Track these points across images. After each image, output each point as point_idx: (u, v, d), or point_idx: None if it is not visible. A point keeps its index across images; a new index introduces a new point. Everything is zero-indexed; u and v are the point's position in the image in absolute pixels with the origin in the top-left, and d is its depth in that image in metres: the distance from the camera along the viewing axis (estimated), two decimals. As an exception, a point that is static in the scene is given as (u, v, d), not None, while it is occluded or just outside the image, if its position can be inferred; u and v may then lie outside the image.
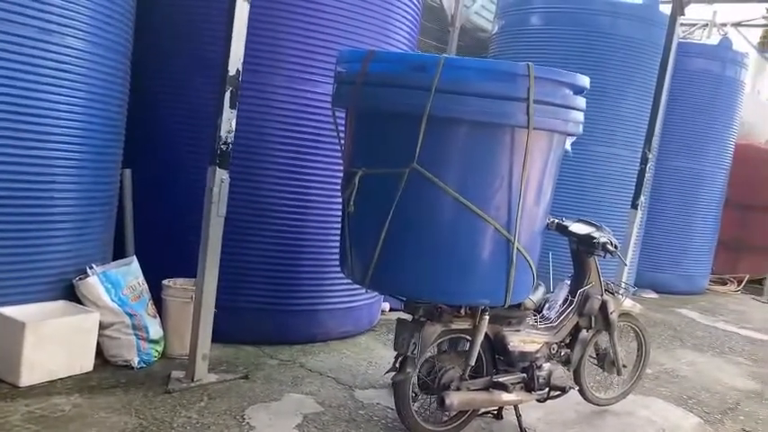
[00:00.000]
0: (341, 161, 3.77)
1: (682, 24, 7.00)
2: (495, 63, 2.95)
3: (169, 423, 3.39)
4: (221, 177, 3.75)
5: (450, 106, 2.75)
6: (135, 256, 4.38)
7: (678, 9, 6.24)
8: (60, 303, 3.89)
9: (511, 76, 2.82)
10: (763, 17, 13.13)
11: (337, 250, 3.69)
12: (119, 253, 4.53)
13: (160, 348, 4.20)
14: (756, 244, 10.05)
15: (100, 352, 3.97)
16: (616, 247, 3.91)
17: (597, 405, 4.31)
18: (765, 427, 4.54)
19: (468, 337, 3.49)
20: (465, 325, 3.43)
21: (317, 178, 4.66)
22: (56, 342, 3.65)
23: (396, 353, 3.39)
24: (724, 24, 12.19)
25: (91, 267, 4.03)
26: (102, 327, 3.94)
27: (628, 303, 4.29)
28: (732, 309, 8.80)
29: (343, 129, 3.29)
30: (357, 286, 4.39)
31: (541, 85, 2.81)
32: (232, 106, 3.73)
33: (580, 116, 3.08)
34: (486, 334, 3.47)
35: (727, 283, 10.29)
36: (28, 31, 3.56)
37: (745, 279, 10.21)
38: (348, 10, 4.61)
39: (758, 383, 5.52)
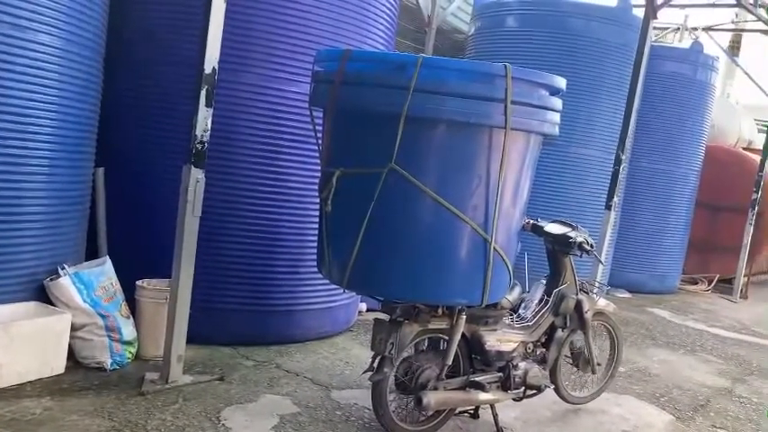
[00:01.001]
0: (318, 161, 3.76)
1: (654, 28, 7.10)
2: (473, 63, 2.96)
3: (143, 425, 3.34)
4: (197, 177, 3.71)
5: (428, 106, 2.75)
6: (108, 257, 4.31)
7: (651, 12, 6.34)
8: (31, 304, 3.83)
9: (489, 77, 2.84)
10: (733, 22, 13.39)
11: (314, 250, 3.67)
12: (91, 253, 4.46)
13: (133, 350, 4.14)
14: (726, 244, 10.24)
15: (71, 354, 3.90)
16: (592, 246, 3.96)
17: (572, 403, 4.35)
18: (735, 423, 4.63)
19: (445, 337, 3.50)
20: (442, 325, 3.44)
21: (293, 178, 4.64)
22: (26, 344, 3.58)
23: (373, 353, 3.38)
24: (695, 28, 12.39)
25: (63, 268, 3.97)
26: (74, 328, 3.87)
27: (602, 302, 4.34)
28: (703, 308, 8.96)
29: (320, 128, 3.28)
30: (334, 286, 4.38)
31: (519, 86, 2.83)
32: (208, 105, 3.70)
33: (557, 117, 3.11)
34: (462, 333, 3.48)
35: (697, 283, 10.47)
36: (0, 27, 3.48)
37: (716, 279, 10.40)
38: (325, 9, 4.60)
39: (728, 381, 5.63)
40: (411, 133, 2.77)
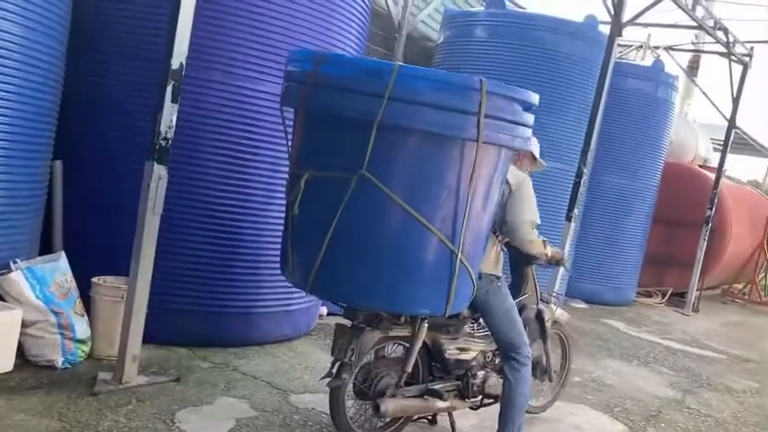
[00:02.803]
0: (281, 161, 3.71)
1: (618, 45, 7.25)
2: (449, 75, 2.94)
3: (94, 426, 3.26)
4: (159, 173, 3.64)
5: (402, 115, 2.72)
6: (63, 252, 4.19)
7: (616, 30, 6.47)
8: (-20, 299, 3.70)
9: (464, 90, 2.82)
10: (692, 43, 13.79)
11: (274, 252, 3.63)
12: (47, 248, 4.33)
13: (87, 349, 4.03)
14: (680, 259, 10.51)
15: (21, 351, 3.78)
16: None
17: (528, 413, 4.39)
18: (684, 435, 4.75)
19: (405, 344, 3.50)
20: (404, 332, 3.43)
21: (255, 178, 4.58)
22: (-27, 340, 3.46)
23: (333, 358, 3.36)
24: (657, 47, 12.70)
25: (15, 262, 3.84)
26: (24, 325, 3.75)
27: (557, 312, 4.41)
28: (656, 320, 9.18)
29: (290, 129, 3.24)
30: (294, 289, 4.34)
31: (493, 100, 2.82)
32: (174, 101, 3.64)
33: (528, 132, 3.12)
34: (423, 341, 3.48)
35: (652, 296, 10.73)
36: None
37: (669, 292, 10.67)
38: (298, 10, 4.56)
39: (678, 392, 5.77)
40: (383, 141, 2.75)
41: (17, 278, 3.78)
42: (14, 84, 3.71)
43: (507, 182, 3.43)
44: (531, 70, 7.40)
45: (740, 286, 13.55)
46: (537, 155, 3.70)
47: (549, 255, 3.82)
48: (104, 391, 3.63)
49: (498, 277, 3.54)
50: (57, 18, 3.98)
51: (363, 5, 5.20)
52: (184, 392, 3.83)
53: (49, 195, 4.37)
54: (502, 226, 3.53)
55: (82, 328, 3.98)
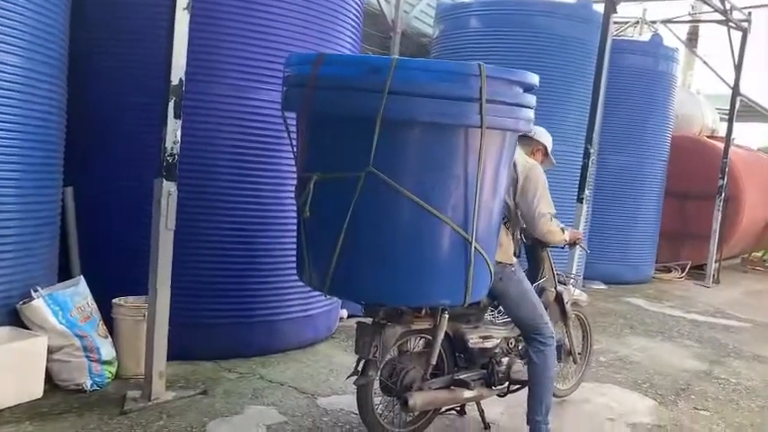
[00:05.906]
0: (290, 167, 3.72)
1: (614, 22, 7.22)
2: (447, 64, 2.93)
3: (128, 445, 3.29)
4: (168, 190, 3.67)
5: (404, 108, 2.72)
6: (82, 276, 4.24)
7: (611, 7, 6.44)
8: (6, 329, 3.74)
9: (462, 77, 2.82)
10: (690, 14, 13.69)
11: (290, 258, 3.63)
12: (65, 274, 4.37)
13: (113, 369, 4.07)
14: (696, 231, 10.44)
15: (49, 377, 3.82)
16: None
17: (555, 396, 4.38)
18: (716, 404, 4.72)
19: (428, 337, 3.50)
20: (425, 325, 3.43)
21: (265, 185, 4.61)
22: (2, 369, 3.50)
23: (357, 357, 3.37)
24: (654, 21, 12.63)
25: (36, 290, 3.88)
26: (50, 351, 3.79)
27: (575, 293, 4.40)
28: (677, 295, 9.13)
29: (294, 133, 3.25)
30: (313, 294, 4.38)
31: (493, 85, 2.81)
32: (176, 116, 3.66)
33: (531, 114, 3.11)
34: (446, 332, 3.48)
35: (671, 271, 10.66)
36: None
37: (688, 266, 10.60)
38: (292, 17, 4.59)
39: (705, 363, 5.73)
40: (387, 136, 2.75)
41: (39, 305, 3.83)
42: (18, 114, 3.75)
43: (515, 168, 3.44)
44: (529, 56, 7.39)
45: (760, 254, 13.43)
46: (549, 148, 3.72)
47: (569, 239, 3.84)
48: (134, 409, 3.66)
49: (511, 264, 3.54)
50: (56, 47, 4.02)
51: (356, 7, 5.21)
52: (213, 404, 3.86)
53: (63, 222, 4.42)
54: (512, 215, 3.54)
55: (107, 350, 4.02)
